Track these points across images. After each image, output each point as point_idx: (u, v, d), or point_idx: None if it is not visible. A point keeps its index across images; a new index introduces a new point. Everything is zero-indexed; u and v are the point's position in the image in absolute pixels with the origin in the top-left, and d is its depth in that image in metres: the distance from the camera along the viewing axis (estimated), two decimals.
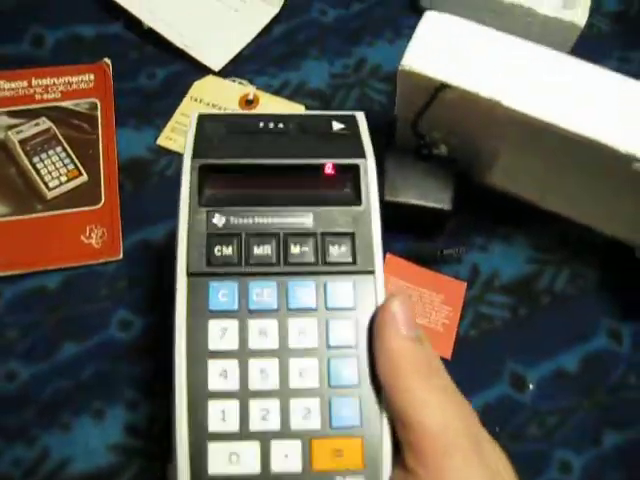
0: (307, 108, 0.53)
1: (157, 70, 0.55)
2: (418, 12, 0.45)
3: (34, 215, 0.48)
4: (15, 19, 0.57)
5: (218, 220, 0.31)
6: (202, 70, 0.55)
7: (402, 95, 0.44)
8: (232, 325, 0.29)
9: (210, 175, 0.32)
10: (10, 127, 0.51)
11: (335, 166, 0.32)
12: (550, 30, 0.52)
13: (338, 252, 0.31)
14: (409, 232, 0.48)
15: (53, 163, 0.49)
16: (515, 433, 0.43)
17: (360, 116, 0.36)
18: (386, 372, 0.28)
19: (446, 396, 0.28)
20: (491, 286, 0.47)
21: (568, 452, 0.42)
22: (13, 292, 0.46)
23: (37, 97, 0.52)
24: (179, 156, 0.51)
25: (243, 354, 0.29)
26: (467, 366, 0.44)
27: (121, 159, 0.51)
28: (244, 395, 0.28)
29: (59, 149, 0.50)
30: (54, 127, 0.51)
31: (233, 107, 0.53)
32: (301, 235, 0.31)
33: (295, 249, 0.31)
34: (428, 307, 0.45)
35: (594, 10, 0.54)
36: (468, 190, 0.47)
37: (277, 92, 0.54)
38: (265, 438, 0.28)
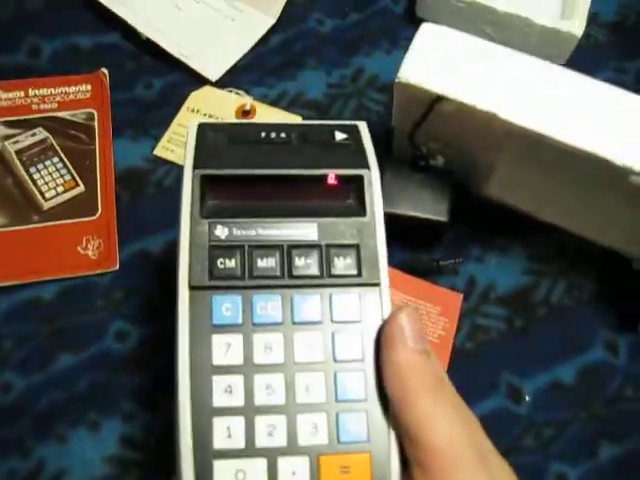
0: (304, 118, 0.53)
1: (154, 80, 0.55)
2: (415, 23, 0.45)
3: (30, 226, 0.48)
4: (12, 29, 0.57)
5: (220, 232, 0.30)
6: (199, 80, 0.55)
7: (399, 107, 0.44)
8: (236, 340, 0.29)
9: (211, 186, 0.31)
10: (7, 137, 0.51)
11: (339, 177, 0.32)
12: (547, 40, 0.52)
13: (343, 264, 0.30)
14: (405, 243, 0.48)
15: (50, 173, 0.49)
16: (511, 445, 0.43)
17: (363, 126, 0.35)
18: (394, 386, 0.28)
19: (453, 410, 0.28)
20: (487, 297, 0.47)
21: (564, 464, 0.42)
22: (9, 303, 0.46)
23: (34, 107, 0.52)
24: (176, 166, 0.51)
25: (248, 369, 0.28)
26: (463, 377, 0.43)
27: (118, 169, 0.51)
28: (250, 411, 0.28)
29: (56, 159, 0.50)
30: (51, 137, 0.51)
31: (230, 118, 0.53)
32: (305, 247, 0.30)
33: (299, 261, 0.30)
34: (424, 318, 0.45)
35: (591, 20, 0.54)
36: (465, 201, 0.47)
37: (274, 102, 0.54)
38: (272, 455, 0.27)
